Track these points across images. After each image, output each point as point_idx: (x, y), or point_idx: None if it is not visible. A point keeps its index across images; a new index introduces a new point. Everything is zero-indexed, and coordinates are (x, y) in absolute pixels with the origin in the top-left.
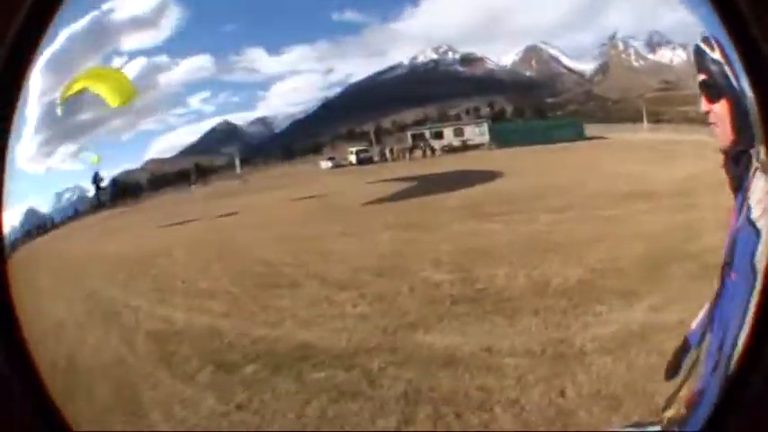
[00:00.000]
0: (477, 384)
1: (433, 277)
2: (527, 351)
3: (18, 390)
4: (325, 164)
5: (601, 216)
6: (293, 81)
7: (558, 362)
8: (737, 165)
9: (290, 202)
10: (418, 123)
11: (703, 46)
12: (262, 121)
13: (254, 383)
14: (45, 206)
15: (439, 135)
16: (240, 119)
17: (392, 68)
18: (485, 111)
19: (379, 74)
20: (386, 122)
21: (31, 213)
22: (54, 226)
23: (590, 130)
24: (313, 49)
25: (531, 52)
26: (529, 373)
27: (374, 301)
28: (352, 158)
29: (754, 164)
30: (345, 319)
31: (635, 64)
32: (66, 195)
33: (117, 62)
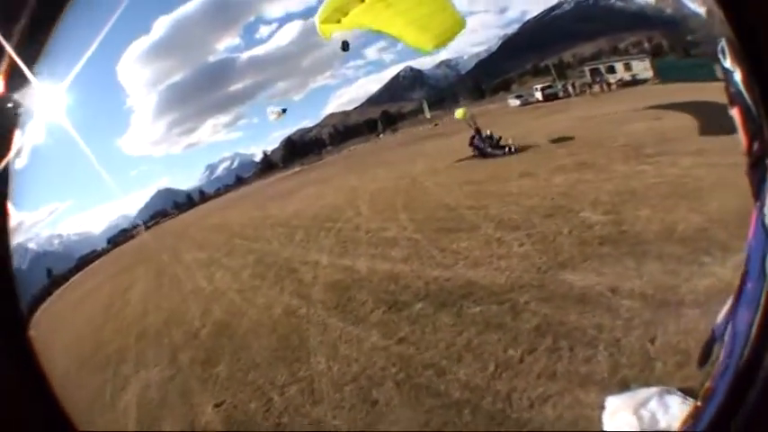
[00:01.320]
0: (594, 322)
1: (590, 218)
2: (642, 295)
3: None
4: (514, 102)
5: (726, 162)
6: (470, 22)
7: (661, 309)
8: (756, 172)
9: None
10: (595, 57)
11: (719, 54)
12: (446, 63)
13: (419, 319)
14: (188, 182)
15: (612, 69)
16: (424, 63)
17: (560, 4)
18: (646, 45)
19: (551, 10)
20: (567, 56)
21: (164, 194)
22: (205, 199)
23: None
24: None
25: None
26: (636, 317)
27: (537, 241)
28: (538, 95)
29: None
30: (511, 258)
31: None
32: (223, 165)
33: (264, 30)
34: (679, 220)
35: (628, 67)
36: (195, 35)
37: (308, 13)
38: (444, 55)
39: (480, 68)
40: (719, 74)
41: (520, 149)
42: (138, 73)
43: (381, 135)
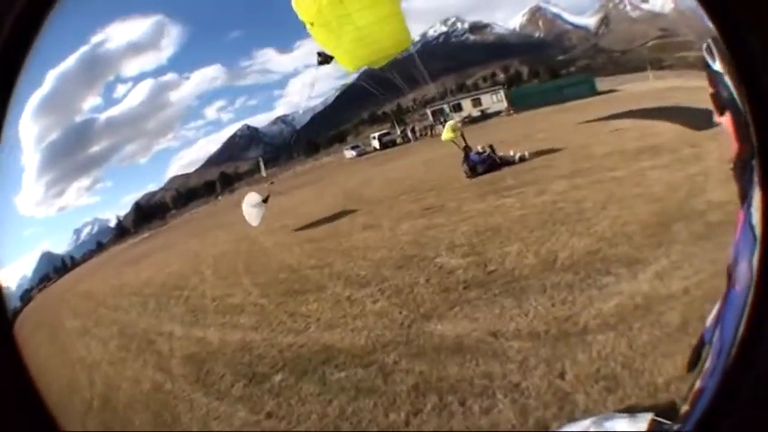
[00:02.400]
0: (481, 371)
1: (448, 263)
2: (531, 333)
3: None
4: (350, 153)
5: (610, 178)
6: (308, 75)
7: (561, 342)
8: (743, 175)
9: (313, 200)
10: (440, 97)
11: (707, 56)
12: (282, 119)
13: (282, 391)
14: (62, 246)
15: (458, 107)
16: (260, 121)
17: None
18: (501, 76)
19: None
20: (407, 101)
21: (46, 257)
22: (75, 264)
23: (601, 83)
24: None
25: (536, 12)
26: (531, 356)
27: (392, 294)
28: (375, 143)
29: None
30: (366, 317)
31: (632, 14)
32: (86, 230)
33: (121, 90)
34: (559, 248)
35: (477, 103)
36: (69, 92)
37: (159, 72)
38: (282, 110)
39: (316, 122)
40: (713, 77)
41: (530, 157)
42: (31, 129)
43: (220, 197)
